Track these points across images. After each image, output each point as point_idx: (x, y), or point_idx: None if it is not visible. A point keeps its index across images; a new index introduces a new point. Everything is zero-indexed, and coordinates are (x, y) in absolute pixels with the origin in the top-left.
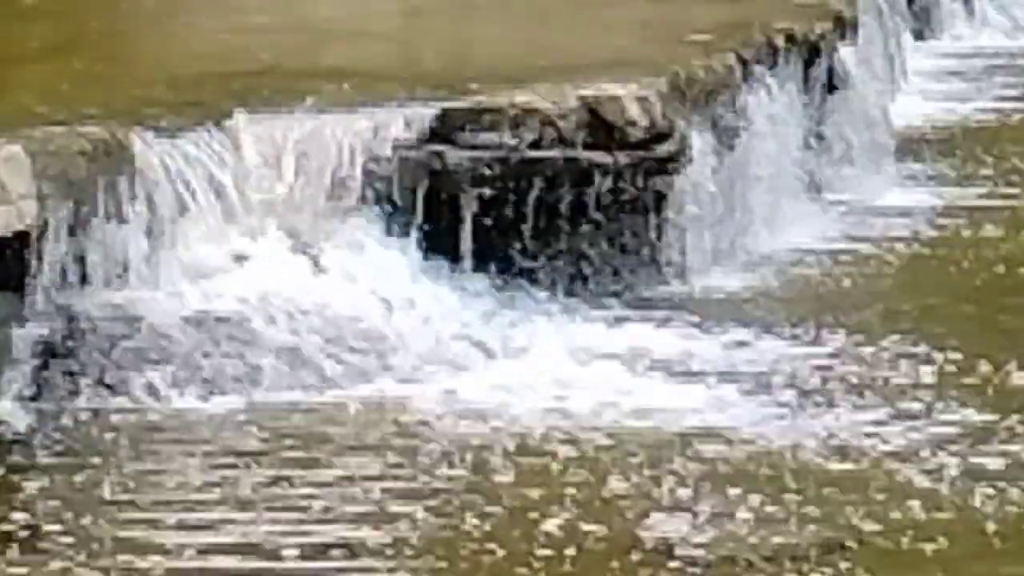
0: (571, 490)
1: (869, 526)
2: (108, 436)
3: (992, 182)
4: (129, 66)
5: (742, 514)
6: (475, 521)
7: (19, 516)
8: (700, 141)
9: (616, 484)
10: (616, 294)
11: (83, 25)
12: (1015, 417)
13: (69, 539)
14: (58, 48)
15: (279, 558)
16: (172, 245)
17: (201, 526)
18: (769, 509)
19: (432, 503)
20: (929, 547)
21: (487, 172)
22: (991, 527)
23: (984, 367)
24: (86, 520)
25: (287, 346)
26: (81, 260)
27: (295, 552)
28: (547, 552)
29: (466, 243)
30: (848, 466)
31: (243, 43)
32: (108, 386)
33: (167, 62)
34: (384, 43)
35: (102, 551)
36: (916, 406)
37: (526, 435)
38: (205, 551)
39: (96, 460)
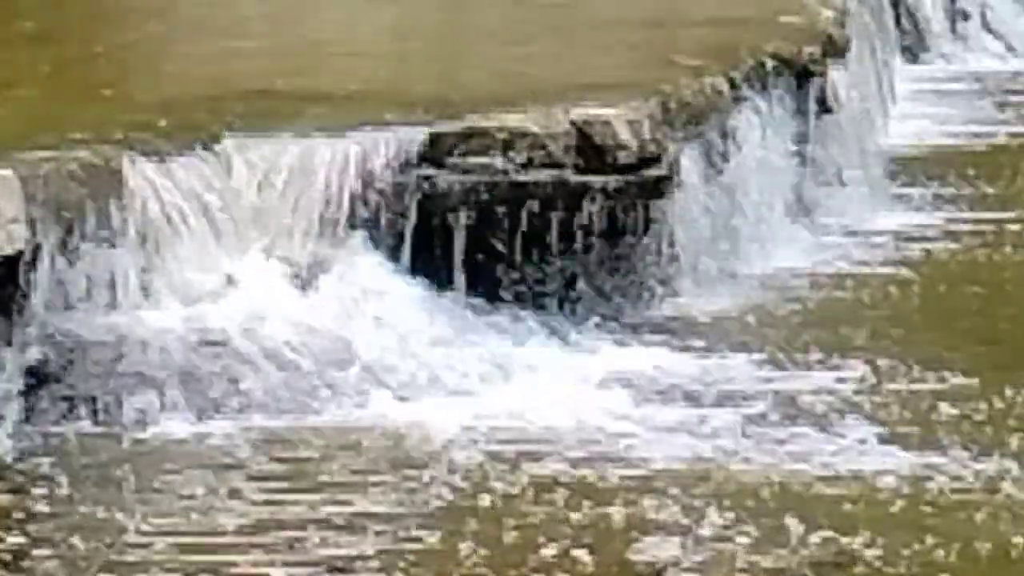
0: (563, 514)
1: (865, 550)
2: (99, 460)
3: (982, 204)
4: (119, 90)
5: (734, 537)
6: (468, 546)
7: (9, 539)
8: (690, 164)
9: (607, 508)
10: (607, 317)
11: (73, 49)
12: (1013, 440)
13: (58, 562)
14: (48, 71)
15: None
16: (163, 268)
17: (192, 550)
18: (762, 532)
19: (424, 528)
20: (926, 569)
21: (477, 195)
22: (987, 554)
23: (980, 390)
24: (76, 543)
25: (279, 370)
26: (72, 284)
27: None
28: None
29: (457, 266)
30: (844, 490)
31: (233, 66)
32: (99, 410)
33: (158, 85)
34: (374, 66)
35: (92, 574)
36: (912, 429)
37: (518, 459)
38: (194, 575)
39: (86, 484)
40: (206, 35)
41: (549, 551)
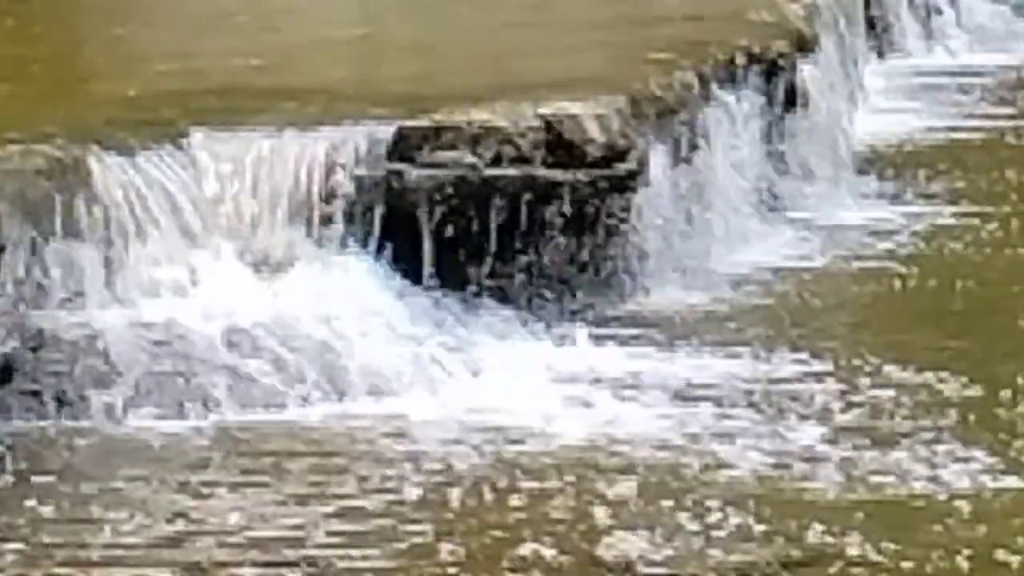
0: (532, 510)
1: (835, 545)
2: (65, 456)
3: (952, 200)
4: (87, 85)
5: (704, 532)
6: (439, 542)
7: None
8: (659, 159)
9: (576, 503)
10: (576, 312)
11: (41, 44)
12: (993, 440)
13: (24, 557)
14: (18, 67)
15: None
16: (130, 264)
17: (158, 546)
18: (732, 527)
19: (396, 524)
20: (899, 567)
21: (446, 190)
22: (963, 550)
23: (951, 385)
24: (42, 538)
25: (246, 366)
26: (39, 279)
27: (254, 573)
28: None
29: (426, 262)
30: (814, 485)
31: (201, 62)
32: (66, 405)
33: (126, 81)
34: (343, 62)
35: (57, 570)
36: (881, 424)
37: (488, 455)
38: (161, 571)
39: (53, 479)
40: (175, 31)
41: (515, 546)
